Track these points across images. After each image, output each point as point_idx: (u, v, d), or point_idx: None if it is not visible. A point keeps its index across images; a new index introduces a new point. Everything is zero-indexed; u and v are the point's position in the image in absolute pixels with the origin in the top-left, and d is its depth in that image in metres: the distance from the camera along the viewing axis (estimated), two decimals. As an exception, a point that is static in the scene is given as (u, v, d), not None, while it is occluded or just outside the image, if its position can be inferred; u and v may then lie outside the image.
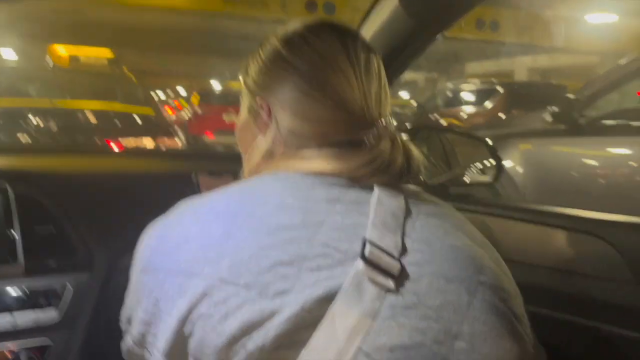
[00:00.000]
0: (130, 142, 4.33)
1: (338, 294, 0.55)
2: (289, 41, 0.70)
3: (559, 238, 1.04)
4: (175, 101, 13.32)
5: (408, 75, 20.38)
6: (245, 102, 0.76)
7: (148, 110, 5.07)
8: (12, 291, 1.10)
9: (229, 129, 11.47)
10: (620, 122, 3.05)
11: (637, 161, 2.83)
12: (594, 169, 3.02)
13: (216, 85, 17.17)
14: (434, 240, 0.62)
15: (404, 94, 25.04)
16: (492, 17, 11.12)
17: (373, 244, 0.58)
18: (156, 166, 1.46)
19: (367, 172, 0.64)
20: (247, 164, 0.77)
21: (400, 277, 0.57)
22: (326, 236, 0.58)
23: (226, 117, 11.51)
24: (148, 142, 4.47)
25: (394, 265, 0.57)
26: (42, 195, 1.16)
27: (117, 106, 4.91)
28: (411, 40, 1.07)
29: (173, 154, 1.64)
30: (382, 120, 0.70)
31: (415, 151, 0.69)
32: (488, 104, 8.81)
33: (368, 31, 1.14)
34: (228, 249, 0.58)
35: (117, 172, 1.38)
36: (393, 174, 0.66)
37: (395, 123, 0.74)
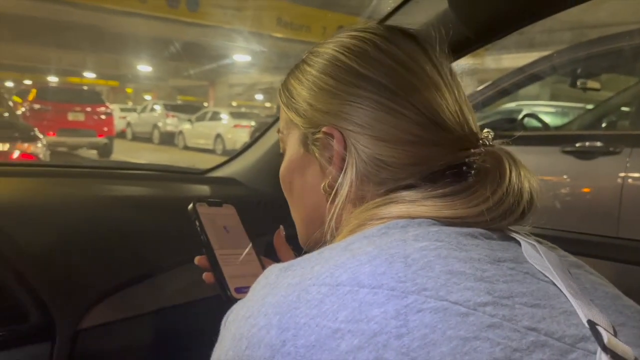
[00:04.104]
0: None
1: None
2: (357, 51, 0.56)
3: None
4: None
5: (263, 79, 20.47)
6: (293, 135, 0.60)
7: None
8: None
9: (75, 128, 10.61)
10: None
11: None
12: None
13: (55, 81, 15.52)
14: (622, 307, 0.49)
15: (259, 97, 25.25)
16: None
17: (599, 326, 0.42)
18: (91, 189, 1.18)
19: (498, 214, 0.49)
20: (315, 213, 0.60)
21: None
22: (525, 316, 0.41)
23: (72, 116, 10.52)
24: (3, 149, 3.77)
25: (630, 355, 0.42)
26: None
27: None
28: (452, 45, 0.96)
29: (114, 174, 1.34)
30: (483, 135, 0.55)
31: (533, 176, 0.53)
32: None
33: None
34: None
35: (73, 199, 1.05)
36: (519, 214, 0.51)
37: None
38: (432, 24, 0.97)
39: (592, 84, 2.84)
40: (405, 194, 0.52)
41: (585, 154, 2.34)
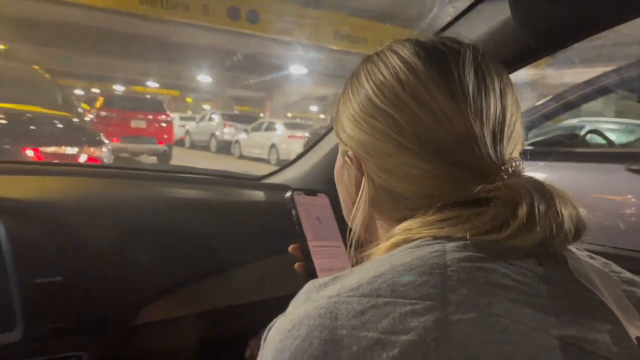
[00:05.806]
0: (50, 151, 3.84)
1: None
2: (381, 82, 0.56)
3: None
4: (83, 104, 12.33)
5: (318, 91, 20.66)
6: (339, 146, 0.64)
7: (69, 115, 4.54)
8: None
9: (137, 135, 11.00)
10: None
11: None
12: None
13: (120, 89, 16.24)
14: None
15: (314, 108, 25.48)
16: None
17: None
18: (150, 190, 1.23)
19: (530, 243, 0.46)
20: (349, 213, 0.62)
21: None
22: (569, 330, 0.41)
23: (135, 124, 10.93)
24: (72, 152, 3.98)
25: None
26: (41, 232, 0.88)
27: (32, 109, 4.30)
28: (513, 55, 0.92)
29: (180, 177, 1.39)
30: (510, 162, 0.52)
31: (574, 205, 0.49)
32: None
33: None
34: None
35: (135, 200, 1.10)
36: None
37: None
38: (494, 33, 0.96)
39: (662, 100, 2.70)
40: (409, 222, 0.52)
41: (653, 173, 2.22)
